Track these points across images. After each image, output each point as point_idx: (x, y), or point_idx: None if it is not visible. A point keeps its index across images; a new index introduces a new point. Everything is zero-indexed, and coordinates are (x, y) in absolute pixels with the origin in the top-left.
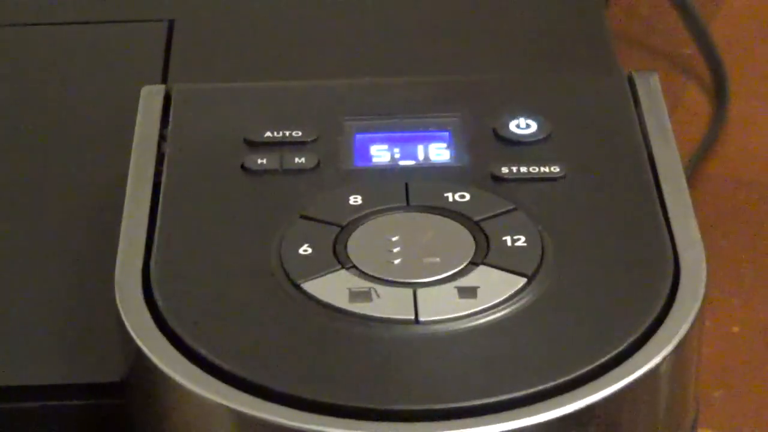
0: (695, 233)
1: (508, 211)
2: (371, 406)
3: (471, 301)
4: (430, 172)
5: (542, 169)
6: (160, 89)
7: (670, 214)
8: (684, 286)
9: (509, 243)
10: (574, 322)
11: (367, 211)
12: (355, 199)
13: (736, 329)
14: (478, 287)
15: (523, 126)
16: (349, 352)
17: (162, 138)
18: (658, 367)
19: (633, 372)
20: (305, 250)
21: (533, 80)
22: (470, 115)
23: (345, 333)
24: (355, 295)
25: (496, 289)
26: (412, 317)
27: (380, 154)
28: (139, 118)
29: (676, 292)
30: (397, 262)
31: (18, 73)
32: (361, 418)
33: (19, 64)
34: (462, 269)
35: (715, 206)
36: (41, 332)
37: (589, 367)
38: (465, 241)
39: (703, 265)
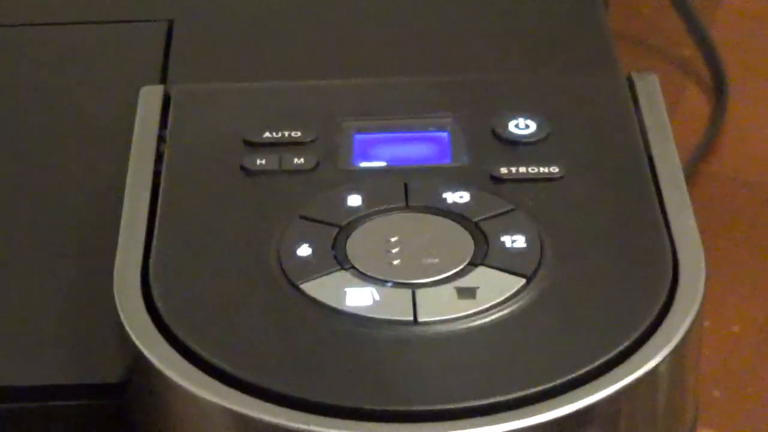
0: (694, 233)
1: (507, 212)
2: (370, 406)
3: (470, 301)
4: (429, 172)
5: (541, 169)
6: (159, 89)
7: (669, 214)
8: (683, 286)
9: (508, 243)
10: (573, 322)
11: (366, 211)
12: (354, 200)
13: (735, 329)
14: (477, 288)
15: (522, 126)
16: (348, 353)
17: (161, 138)
18: (657, 367)
19: (632, 372)
20: (304, 250)
21: (532, 80)
22: (469, 115)
23: (344, 334)
24: (354, 296)
25: (496, 289)
26: (411, 318)
27: (379, 154)
28: (138, 118)
29: (675, 292)
30: (396, 262)
31: (17, 73)
32: (360, 419)
33: (18, 64)
34: (461, 270)
35: (714, 206)
36: (41, 332)
37: (589, 368)
38: (464, 242)
39: (702, 265)
